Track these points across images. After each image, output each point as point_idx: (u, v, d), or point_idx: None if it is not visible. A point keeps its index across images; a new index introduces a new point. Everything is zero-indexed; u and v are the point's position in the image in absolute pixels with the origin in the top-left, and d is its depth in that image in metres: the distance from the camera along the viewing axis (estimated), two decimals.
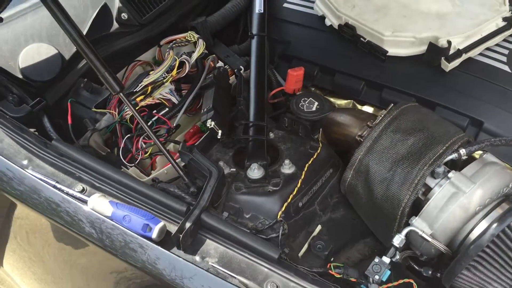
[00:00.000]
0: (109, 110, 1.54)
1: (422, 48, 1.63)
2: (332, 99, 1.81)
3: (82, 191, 1.34)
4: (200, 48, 1.67)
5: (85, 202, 1.30)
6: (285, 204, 1.31)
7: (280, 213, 1.29)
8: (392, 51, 1.68)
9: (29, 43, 1.63)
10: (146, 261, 1.23)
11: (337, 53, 1.78)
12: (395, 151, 1.39)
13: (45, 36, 1.65)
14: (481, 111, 1.55)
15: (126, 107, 1.59)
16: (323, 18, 1.85)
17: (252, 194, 1.34)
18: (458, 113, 1.57)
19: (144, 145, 1.51)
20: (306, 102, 1.51)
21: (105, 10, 1.70)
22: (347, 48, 1.77)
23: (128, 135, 1.52)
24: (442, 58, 1.58)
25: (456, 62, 1.59)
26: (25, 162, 1.40)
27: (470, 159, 1.42)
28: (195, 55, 1.65)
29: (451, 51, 1.57)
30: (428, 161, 1.34)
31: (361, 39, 1.72)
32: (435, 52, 1.59)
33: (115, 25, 1.73)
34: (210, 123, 1.38)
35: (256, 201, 1.33)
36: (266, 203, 1.32)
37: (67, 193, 1.33)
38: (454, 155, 1.35)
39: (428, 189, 1.38)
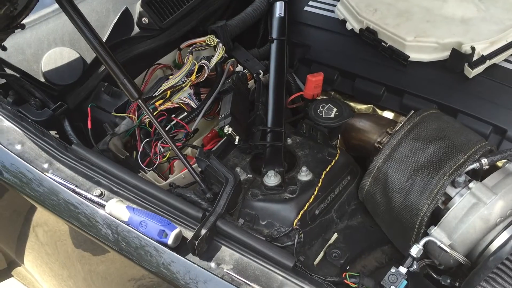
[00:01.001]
0: (128, 115, 1.56)
1: (445, 54, 1.60)
2: (352, 104, 1.79)
3: (101, 195, 1.36)
4: (220, 52, 1.67)
5: (103, 206, 1.32)
6: (301, 212, 1.30)
7: (296, 221, 1.29)
8: (414, 56, 1.65)
9: (51, 47, 1.66)
10: (162, 265, 1.25)
11: (358, 57, 1.76)
12: (415, 160, 1.37)
13: (68, 40, 1.68)
14: (504, 118, 1.51)
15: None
16: (344, 22, 1.84)
17: (268, 201, 1.33)
18: (480, 120, 1.53)
19: (162, 150, 1.52)
20: (325, 108, 1.50)
21: (126, 15, 1.72)
22: (368, 52, 1.75)
23: (147, 139, 1.53)
24: (465, 64, 1.55)
25: (479, 69, 1.55)
26: (45, 165, 1.43)
27: (493, 168, 1.39)
28: (214, 60, 1.66)
29: (475, 57, 1.54)
30: (449, 171, 1.32)
31: (383, 43, 1.69)
32: (458, 58, 1.55)
33: (136, 29, 1.74)
34: (228, 129, 1.38)
35: (272, 208, 1.32)
36: (282, 210, 1.32)
37: (85, 197, 1.35)
38: (475, 165, 1.32)
39: (448, 198, 1.35)
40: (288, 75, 1.78)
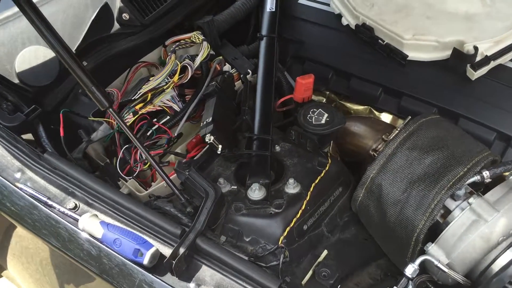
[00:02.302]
0: (105, 119, 1.46)
1: (446, 53, 1.49)
2: (348, 104, 1.69)
3: (75, 208, 1.27)
4: (204, 51, 1.56)
5: (76, 221, 1.24)
6: (287, 229, 1.21)
7: (282, 238, 1.20)
8: (413, 55, 1.54)
9: (26, 46, 1.55)
10: (138, 287, 1.16)
11: (354, 55, 1.65)
12: (411, 171, 1.27)
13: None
14: (510, 124, 1.41)
15: (126, 115, 1.50)
16: (340, 16, 1.72)
17: (252, 216, 1.24)
18: (484, 126, 1.43)
19: (143, 157, 1.43)
20: (315, 114, 1.39)
21: (105, 10, 1.60)
22: (364, 50, 1.63)
23: (126, 145, 1.44)
24: (468, 65, 1.44)
25: (483, 70, 1.44)
26: (17, 175, 1.34)
27: (498, 178, 1.29)
28: (198, 59, 1.55)
29: (478, 58, 1.43)
30: (447, 184, 1.22)
31: (380, 41, 1.58)
32: (460, 58, 1.44)
33: (116, 25, 1.63)
34: (209, 138, 1.28)
35: (256, 224, 1.23)
36: (268, 226, 1.23)
37: (58, 210, 1.26)
38: (476, 178, 1.22)
39: (448, 212, 1.26)
40: (279, 74, 1.68)
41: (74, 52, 1.55)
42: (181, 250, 1.13)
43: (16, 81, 1.53)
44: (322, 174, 1.32)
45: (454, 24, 1.50)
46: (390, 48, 1.56)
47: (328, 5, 1.79)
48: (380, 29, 1.57)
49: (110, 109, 1.19)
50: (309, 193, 1.27)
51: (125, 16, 1.61)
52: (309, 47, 1.72)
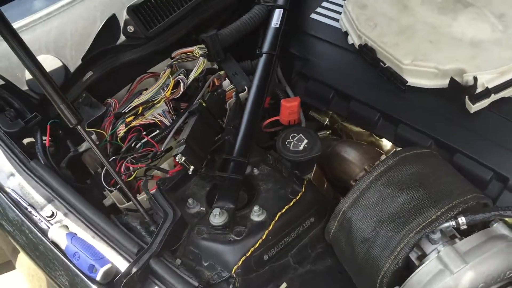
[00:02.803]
0: (96, 130, 1.50)
1: (447, 81, 1.38)
2: (350, 126, 1.62)
3: (51, 216, 1.34)
4: (199, 66, 1.57)
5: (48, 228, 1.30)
6: (242, 259, 1.18)
7: (235, 267, 1.18)
8: (413, 81, 1.44)
9: (36, 55, 1.63)
10: None
11: (356, 77, 1.57)
12: (382, 209, 1.20)
13: (53, 48, 1.65)
14: (508, 164, 1.28)
15: (119, 125, 1.55)
16: (347, 34, 1.65)
17: (212, 241, 1.23)
18: (480, 164, 1.31)
19: (129, 169, 1.46)
20: (295, 139, 1.35)
21: (112, 22, 1.65)
22: (367, 72, 1.55)
23: (113, 157, 1.48)
24: (466, 97, 1.32)
25: (482, 103, 1.32)
26: (9, 178, 1.43)
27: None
28: (192, 74, 1.56)
29: (478, 89, 1.31)
30: (416, 228, 1.14)
31: (381, 63, 1.50)
32: (458, 89, 1.33)
33: (123, 37, 1.67)
34: (180, 158, 1.28)
35: (215, 249, 1.22)
36: (225, 253, 1.21)
37: (34, 217, 1.33)
38: (450, 223, 1.13)
39: (423, 255, 1.18)
40: (278, 92, 1.64)
41: (81, 61, 1.64)
42: (134, 270, 1.15)
43: (25, 88, 1.63)
44: (291, 204, 1.28)
45: (457, 50, 1.38)
46: (391, 72, 1.47)
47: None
48: (381, 51, 1.49)
49: (78, 127, 1.23)
50: (272, 222, 1.24)
51: (130, 28, 1.65)
52: (313, 65, 1.67)
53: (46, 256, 1.29)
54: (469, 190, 1.20)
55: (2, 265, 2.15)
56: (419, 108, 1.44)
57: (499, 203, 1.29)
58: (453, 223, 1.13)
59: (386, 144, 1.55)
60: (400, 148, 1.46)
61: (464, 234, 1.19)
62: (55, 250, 1.24)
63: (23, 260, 1.89)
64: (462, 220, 1.13)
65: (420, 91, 1.45)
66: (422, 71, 1.41)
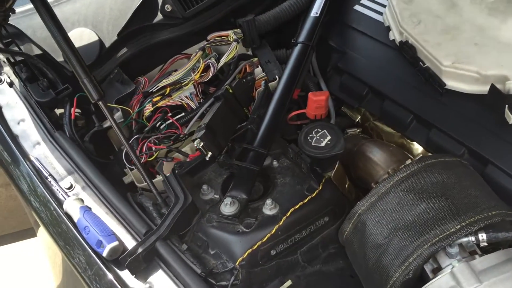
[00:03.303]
0: (121, 106, 1.51)
1: (487, 88, 1.28)
2: (381, 126, 1.55)
3: (70, 187, 1.36)
4: (231, 52, 1.54)
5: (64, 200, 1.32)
6: (248, 251, 1.16)
7: (240, 259, 1.15)
8: (452, 84, 1.35)
9: (75, 27, 1.67)
10: (92, 277, 1.21)
11: (393, 75, 1.49)
12: (399, 216, 1.14)
13: (90, 21, 1.67)
14: None
15: (146, 104, 1.55)
16: (389, 29, 1.57)
17: (221, 230, 1.21)
18: None
19: (151, 149, 1.46)
20: (318, 135, 1.30)
21: (150, 0, 1.64)
22: (405, 71, 1.47)
23: (136, 135, 1.48)
24: (506, 106, 1.23)
25: None
26: (35, 146, 1.46)
27: None
28: (223, 59, 1.53)
29: None
30: (431, 239, 1.07)
31: (421, 63, 1.42)
32: (498, 97, 1.24)
33: (160, 16, 1.66)
34: (199, 144, 1.26)
35: (222, 239, 1.20)
36: (232, 243, 1.19)
37: (54, 187, 1.35)
38: (469, 239, 1.06)
39: (439, 268, 1.11)
40: (310, 84, 1.59)
41: (116, 37, 1.64)
42: (139, 250, 1.16)
43: (61, 59, 1.65)
44: (306, 201, 1.23)
45: (503, 55, 1.28)
46: (429, 72, 1.39)
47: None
48: (422, 50, 1.40)
49: (100, 102, 1.23)
50: (284, 218, 1.20)
51: (168, 7, 1.64)
52: (349, 59, 1.60)
53: (67, 235, 1.31)
54: (495, 205, 1.11)
55: (25, 231, 2.23)
56: (455, 114, 1.35)
57: None
58: (472, 238, 1.06)
59: (417, 148, 1.47)
60: (429, 154, 1.40)
61: (487, 251, 1.12)
62: (67, 221, 1.27)
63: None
64: (482, 236, 1.05)
65: (458, 95, 1.36)
66: (463, 74, 1.32)
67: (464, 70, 1.31)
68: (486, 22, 1.37)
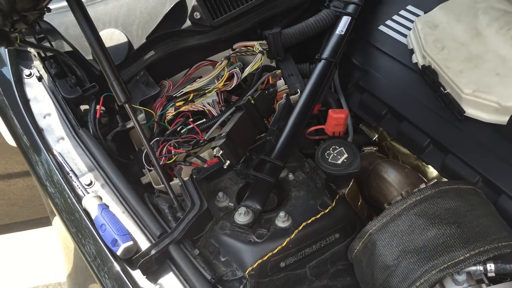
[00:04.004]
0: (144, 108, 1.55)
1: (507, 118, 1.30)
2: (398, 146, 1.57)
3: (90, 184, 1.40)
4: (256, 63, 1.57)
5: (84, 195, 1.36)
6: (258, 261, 1.18)
7: (249, 269, 1.18)
8: (471, 112, 1.37)
9: (105, 27, 1.71)
10: (107, 274, 1.24)
11: (413, 98, 1.51)
12: (409, 239, 1.16)
13: (121, 23, 1.70)
14: None
15: (169, 108, 1.58)
16: (412, 52, 1.59)
17: (233, 238, 1.24)
18: None
19: (171, 152, 1.49)
20: (335, 152, 1.33)
21: (180, 6, 1.68)
22: (425, 95, 1.49)
23: (157, 138, 1.52)
24: None
25: None
26: (59, 141, 1.50)
27: None
28: (247, 70, 1.56)
29: None
30: (440, 265, 1.09)
31: (441, 88, 1.43)
32: None
33: (188, 23, 1.70)
34: (218, 152, 1.29)
35: (234, 247, 1.23)
36: (243, 252, 1.21)
37: (73, 183, 1.39)
38: (477, 268, 1.08)
39: None
40: (331, 99, 1.62)
41: (145, 40, 1.68)
42: (152, 252, 1.19)
43: (90, 57, 1.70)
44: (318, 216, 1.26)
45: None
46: (450, 99, 1.40)
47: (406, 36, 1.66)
48: (443, 76, 1.42)
49: (126, 105, 1.27)
50: (296, 231, 1.22)
51: (197, 15, 1.67)
52: (371, 78, 1.62)
53: (79, 222, 1.35)
54: (505, 236, 1.13)
55: (39, 220, 2.28)
56: (473, 142, 1.36)
57: None
58: (480, 268, 1.08)
59: (432, 171, 1.48)
60: (444, 180, 1.41)
61: (494, 281, 1.13)
62: (85, 217, 1.30)
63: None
64: (491, 266, 1.07)
65: (477, 123, 1.37)
66: (483, 103, 1.33)
67: (485, 99, 1.33)
68: (510, 53, 1.38)
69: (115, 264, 1.21)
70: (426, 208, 1.18)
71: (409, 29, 1.67)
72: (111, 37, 1.70)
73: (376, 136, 1.64)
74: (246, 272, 1.18)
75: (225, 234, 1.25)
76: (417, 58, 1.55)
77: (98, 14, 1.73)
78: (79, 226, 1.35)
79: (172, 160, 1.50)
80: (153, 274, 1.21)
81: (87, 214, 1.31)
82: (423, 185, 1.29)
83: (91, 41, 1.25)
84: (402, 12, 1.76)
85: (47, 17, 1.66)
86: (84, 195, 1.34)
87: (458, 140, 1.39)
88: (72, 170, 1.41)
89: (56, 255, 2.03)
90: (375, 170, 1.46)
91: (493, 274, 1.07)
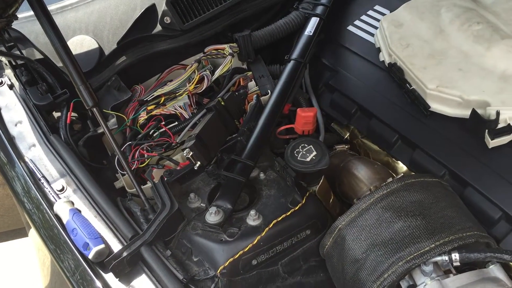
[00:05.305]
0: (116, 113, 1.55)
1: (470, 112, 1.33)
2: (369, 143, 1.59)
3: (61, 190, 1.40)
4: (226, 65, 1.59)
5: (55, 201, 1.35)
6: (230, 260, 1.19)
7: (221, 268, 1.19)
8: (436, 107, 1.40)
9: (76, 34, 1.71)
10: (79, 279, 1.24)
11: (381, 95, 1.54)
12: (377, 232, 1.18)
13: (92, 29, 1.72)
14: None
15: (141, 112, 1.59)
16: (379, 51, 1.62)
17: (205, 238, 1.25)
18: (490, 201, 1.26)
19: (143, 156, 1.50)
20: (304, 150, 1.35)
21: (151, 11, 1.70)
22: (392, 92, 1.52)
23: (129, 142, 1.52)
24: (486, 131, 1.27)
25: (502, 140, 1.26)
26: (30, 148, 1.50)
27: None
28: (217, 72, 1.58)
29: (500, 125, 1.26)
30: (406, 257, 1.11)
31: (407, 85, 1.46)
32: (478, 122, 1.28)
33: (159, 27, 1.71)
34: (188, 153, 1.31)
35: (206, 246, 1.24)
36: (215, 251, 1.22)
37: (46, 188, 1.39)
38: (443, 258, 1.10)
39: (414, 285, 1.15)
40: (301, 99, 1.64)
41: (116, 45, 1.69)
42: (124, 254, 1.19)
43: (61, 64, 1.70)
44: (288, 213, 1.27)
45: (485, 82, 1.33)
46: (415, 95, 1.43)
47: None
48: (409, 72, 1.45)
49: (94, 109, 1.28)
50: (266, 229, 1.24)
51: (167, 19, 1.69)
52: (341, 78, 1.65)
53: (58, 238, 1.34)
54: (470, 227, 1.16)
55: (20, 230, 2.25)
56: (438, 136, 1.39)
57: (503, 245, 1.23)
58: (446, 258, 1.10)
59: (402, 166, 1.51)
60: (412, 173, 1.44)
61: (463, 271, 1.15)
62: (57, 223, 1.30)
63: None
64: (455, 256, 1.09)
65: (442, 118, 1.40)
66: (446, 98, 1.37)
67: (448, 94, 1.36)
68: (471, 49, 1.42)
69: (96, 279, 1.21)
70: (393, 201, 1.21)
71: (377, 28, 1.71)
72: (82, 43, 1.71)
73: (348, 134, 1.66)
74: (218, 271, 1.19)
75: (196, 234, 1.26)
76: (384, 56, 1.58)
77: (68, 21, 1.74)
78: (58, 242, 1.34)
79: (145, 163, 1.51)
80: (125, 276, 1.21)
81: (59, 220, 1.31)
82: (390, 179, 1.31)
83: (56, 46, 1.26)
84: (370, 12, 1.80)
85: (17, 26, 1.67)
86: (56, 201, 1.34)
87: (424, 135, 1.42)
88: (44, 177, 1.41)
89: (33, 268, 2.02)
90: (346, 167, 1.48)
91: (458, 264, 1.09)
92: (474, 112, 1.29)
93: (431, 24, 1.53)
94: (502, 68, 1.35)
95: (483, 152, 1.31)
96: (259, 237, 1.23)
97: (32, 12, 1.65)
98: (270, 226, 1.25)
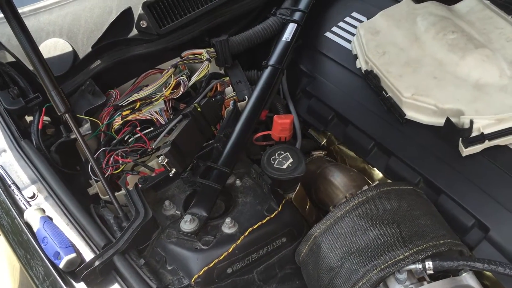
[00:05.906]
0: (90, 118, 1.52)
1: (444, 120, 1.34)
2: (345, 150, 1.60)
3: (32, 197, 1.36)
4: (202, 70, 1.57)
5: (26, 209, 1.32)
6: (204, 269, 1.18)
7: (195, 276, 1.17)
8: (411, 115, 1.41)
9: (49, 37, 1.68)
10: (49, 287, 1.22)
11: (358, 102, 1.55)
12: (352, 241, 1.18)
13: (66, 32, 1.69)
14: (491, 214, 1.24)
15: (116, 117, 1.57)
16: (356, 57, 1.62)
17: (179, 246, 1.23)
18: (463, 209, 1.27)
19: (118, 162, 1.48)
20: (280, 157, 1.34)
21: (127, 15, 1.68)
22: (369, 99, 1.52)
23: (103, 148, 1.50)
24: (460, 139, 1.29)
25: (476, 148, 1.28)
26: (0, 153, 1.46)
27: None
28: (194, 77, 1.57)
29: (473, 133, 1.27)
30: (380, 265, 1.11)
31: (383, 92, 1.47)
32: (452, 130, 1.29)
33: (135, 31, 1.69)
34: (163, 160, 1.29)
35: (180, 255, 1.22)
36: (189, 260, 1.21)
37: (16, 195, 1.36)
38: (416, 266, 1.10)
39: None
40: (279, 106, 1.63)
41: (90, 49, 1.66)
42: (96, 263, 1.17)
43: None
44: (264, 221, 1.27)
45: (459, 91, 1.34)
46: (391, 102, 1.44)
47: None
48: (385, 80, 1.46)
49: (67, 115, 1.25)
50: (242, 237, 1.23)
51: (143, 23, 1.67)
52: (318, 84, 1.65)
53: (27, 244, 1.31)
54: (444, 235, 1.16)
55: None
56: (414, 143, 1.40)
57: (476, 253, 1.25)
58: (420, 266, 1.11)
59: (378, 173, 1.51)
60: (388, 181, 1.45)
61: (438, 279, 1.16)
62: (27, 231, 1.27)
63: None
64: (429, 264, 1.10)
65: (417, 126, 1.41)
66: (421, 106, 1.38)
67: (423, 102, 1.37)
68: (446, 58, 1.43)
69: (58, 279, 1.18)
70: (368, 209, 1.21)
71: (354, 35, 1.71)
72: (56, 46, 1.68)
73: (325, 140, 1.66)
74: (192, 280, 1.18)
75: (171, 243, 1.25)
76: (361, 63, 1.59)
77: (41, 24, 1.71)
78: (27, 248, 1.31)
79: (120, 169, 1.48)
80: (97, 286, 1.19)
81: (29, 228, 1.28)
82: (365, 187, 1.31)
83: (27, 50, 1.23)
84: (348, 19, 1.80)
85: None
86: (26, 208, 1.31)
87: (400, 143, 1.42)
88: (14, 183, 1.38)
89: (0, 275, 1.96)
90: (323, 173, 1.48)
91: (431, 272, 1.10)
92: (448, 120, 1.30)
93: (407, 32, 1.54)
94: (476, 77, 1.36)
95: (457, 160, 1.32)
96: (234, 245, 1.22)
97: (2, 15, 1.65)
98: (246, 234, 1.24)
